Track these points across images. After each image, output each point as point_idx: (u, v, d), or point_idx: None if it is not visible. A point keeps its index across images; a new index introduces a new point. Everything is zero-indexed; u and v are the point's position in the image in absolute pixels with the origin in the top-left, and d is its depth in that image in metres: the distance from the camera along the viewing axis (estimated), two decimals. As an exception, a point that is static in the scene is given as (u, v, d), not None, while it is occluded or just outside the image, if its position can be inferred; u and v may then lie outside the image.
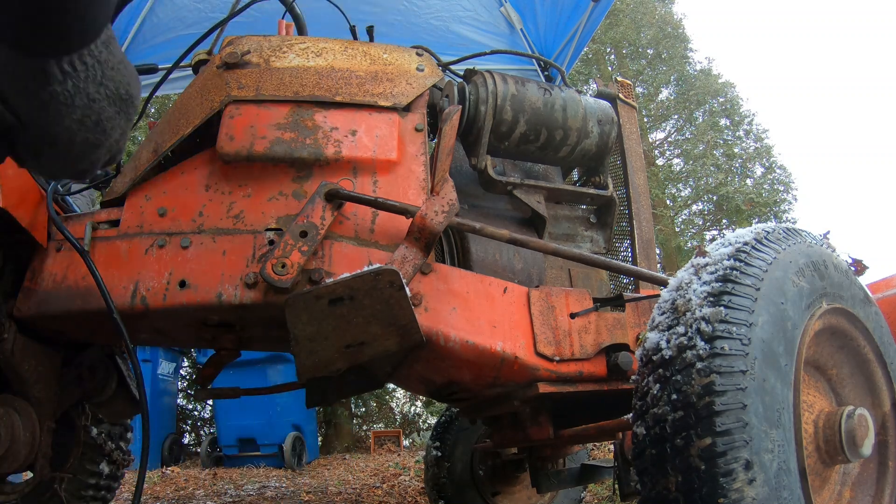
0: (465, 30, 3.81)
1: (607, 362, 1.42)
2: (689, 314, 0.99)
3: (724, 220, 11.64)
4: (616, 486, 1.68)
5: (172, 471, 5.53)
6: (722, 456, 0.86)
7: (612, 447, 3.29)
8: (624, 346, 1.43)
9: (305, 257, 1.27)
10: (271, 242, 1.33)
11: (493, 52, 2.38)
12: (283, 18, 1.95)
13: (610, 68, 12.46)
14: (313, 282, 1.28)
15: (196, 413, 10.21)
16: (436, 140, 1.23)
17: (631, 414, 1.05)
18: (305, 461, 6.45)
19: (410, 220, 1.33)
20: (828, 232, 1.25)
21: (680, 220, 12.40)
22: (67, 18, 0.66)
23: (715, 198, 11.59)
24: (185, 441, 9.48)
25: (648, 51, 12.82)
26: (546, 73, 3.72)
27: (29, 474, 1.60)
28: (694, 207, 12.42)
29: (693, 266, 1.08)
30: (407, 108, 1.53)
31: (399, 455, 7.10)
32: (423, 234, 1.24)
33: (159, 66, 1.54)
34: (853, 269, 1.25)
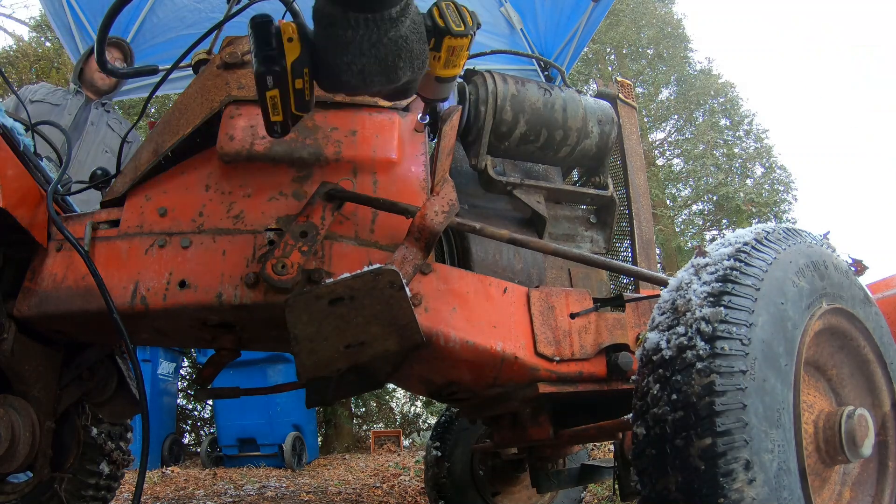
0: (465, 30, 3.80)
1: (607, 362, 1.42)
2: (689, 314, 0.98)
3: (724, 220, 11.65)
4: (616, 486, 1.68)
5: (172, 471, 5.53)
6: (722, 456, 0.86)
7: (612, 447, 3.29)
8: (624, 347, 1.43)
9: (305, 257, 1.27)
10: (271, 242, 1.33)
11: (493, 52, 2.38)
12: (283, 18, 1.94)
13: (610, 68, 12.47)
14: (313, 282, 1.28)
15: (196, 413, 10.21)
16: (436, 140, 1.23)
17: (631, 414, 1.05)
18: (305, 461, 6.45)
19: (410, 220, 1.32)
20: (828, 232, 1.25)
21: (680, 220, 12.41)
22: None
23: (715, 198, 11.59)
24: (185, 441, 9.48)
25: (648, 51, 12.83)
26: (546, 73, 3.72)
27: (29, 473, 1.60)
28: (694, 207, 12.42)
29: (693, 266, 1.08)
30: (407, 108, 1.53)
31: (399, 455, 7.11)
32: (423, 234, 1.24)
33: (160, 67, 1.54)
34: (853, 269, 1.25)
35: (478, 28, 1.21)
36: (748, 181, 11.85)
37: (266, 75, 1.10)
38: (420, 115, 1.48)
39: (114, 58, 3.26)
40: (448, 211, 1.26)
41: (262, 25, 1.12)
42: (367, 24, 1.00)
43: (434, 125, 1.65)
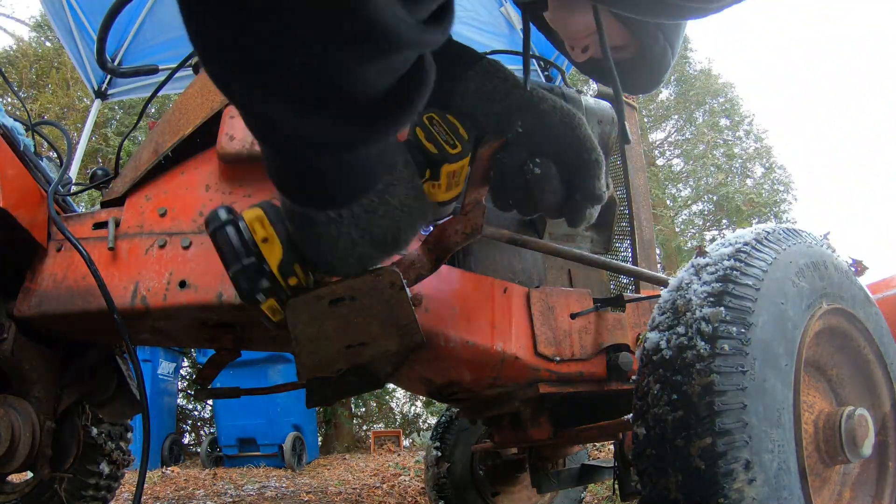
0: (465, 30, 3.81)
1: (607, 363, 1.42)
2: (689, 314, 0.98)
3: (724, 220, 11.65)
4: (616, 486, 1.68)
5: (172, 471, 5.53)
6: (722, 456, 0.86)
7: (612, 447, 3.29)
8: (624, 347, 1.43)
9: (306, 257, 1.27)
10: (271, 242, 1.33)
11: (493, 53, 2.37)
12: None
13: (610, 68, 12.44)
14: (314, 282, 1.27)
15: (196, 413, 10.22)
16: (473, 163, 1.19)
17: (631, 414, 1.05)
18: (305, 461, 6.45)
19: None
20: (828, 232, 1.25)
21: (680, 220, 12.41)
22: (328, 188, 0.77)
23: (715, 198, 11.60)
24: (185, 441, 9.49)
25: (648, 51, 12.79)
26: (546, 73, 3.71)
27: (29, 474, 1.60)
28: (694, 207, 12.42)
29: (693, 266, 1.08)
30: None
31: (399, 455, 7.11)
32: (436, 247, 1.22)
33: (160, 67, 1.54)
34: (853, 269, 1.25)
35: (473, 143, 1.06)
36: (748, 181, 11.86)
37: (254, 295, 0.92)
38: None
39: None
40: (469, 234, 1.22)
41: (221, 232, 0.92)
42: (351, 212, 0.85)
43: None
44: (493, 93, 1.08)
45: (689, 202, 12.19)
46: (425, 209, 0.96)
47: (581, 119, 1.11)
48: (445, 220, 1.22)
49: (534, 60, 3.93)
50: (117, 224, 1.43)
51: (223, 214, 0.94)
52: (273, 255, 0.91)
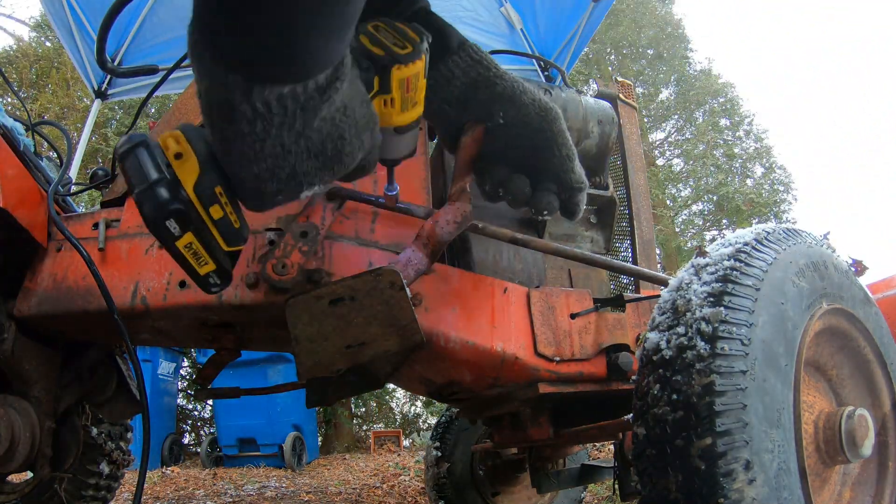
0: (465, 30, 3.80)
1: (607, 362, 1.42)
2: (689, 314, 0.98)
3: (724, 220, 11.65)
4: (616, 486, 1.68)
5: (172, 471, 5.53)
6: (722, 456, 0.86)
7: (612, 447, 3.30)
8: (624, 347, 1.43)
9: (306, 257, 1.27)
10: (271, 242, 1.33)
11: (493, 53, 2.37)
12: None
13: (610, 68, 12.47)
14: (313, 282, 1.28)
15: (196, 413, 10.22)
16: (456, 152, 1.20)
17: (631, 414, 1.05)
18: (305, 461, 6.45)
19: (411, 219, 1.32)
20: (828, 232, 1.25)
21: (680, 220, 12.41)
22: (284, 45, 0.60)
23: (715, 198, 11.60)
24: (185, 441, 9.49)
25: (648, 51, 12.84)
26: (546, 73, 3.72)
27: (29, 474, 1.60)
28: (694, 207, 12.43)
29: (693, 266, 1.08)
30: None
31: (399, 455, 7.11)
32: (430, 241, 1.23)
33: (160, 67, 1.54)
34: (853, 269, 1.25)
35: (429, 43, 0.91)
36: (748, 181, 11.86)
37: (163, 221, 0.75)
38: (387, 185, 1.19)
39: None
40: (460, 222, 1.23)
41: (130, 154, 0.76)
42: (283, 106, 0.65)
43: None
44: (478, 80, 1.09)
45: (689, 202, 12.20)
46: (371, 119, 0.81)
47: (557, 112, 1.13)
48: (435, 212, 1.24)
49: (533, 60, 3.94)
50: (107, 225, 1.42)
51: (136, 138, 0.78)
52: (188, 173, 0.75)
